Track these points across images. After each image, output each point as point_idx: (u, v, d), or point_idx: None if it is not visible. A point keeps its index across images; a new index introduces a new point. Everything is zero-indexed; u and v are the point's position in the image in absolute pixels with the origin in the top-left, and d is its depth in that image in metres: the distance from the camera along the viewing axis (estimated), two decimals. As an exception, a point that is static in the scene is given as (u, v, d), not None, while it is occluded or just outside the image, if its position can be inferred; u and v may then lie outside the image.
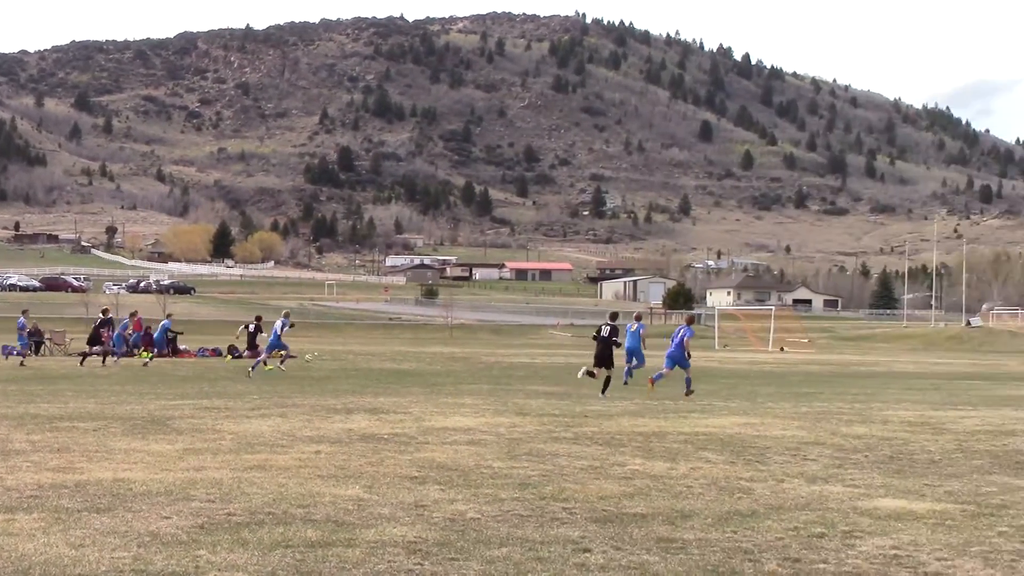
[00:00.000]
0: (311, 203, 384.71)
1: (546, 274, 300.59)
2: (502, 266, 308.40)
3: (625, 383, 32.17)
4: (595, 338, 29.84)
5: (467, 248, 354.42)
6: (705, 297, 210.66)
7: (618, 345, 29.49)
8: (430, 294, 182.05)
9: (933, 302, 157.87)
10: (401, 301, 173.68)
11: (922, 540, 10.05)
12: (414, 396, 27.06)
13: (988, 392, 34.02)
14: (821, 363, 59.53)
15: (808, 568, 8.92)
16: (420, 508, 11.23)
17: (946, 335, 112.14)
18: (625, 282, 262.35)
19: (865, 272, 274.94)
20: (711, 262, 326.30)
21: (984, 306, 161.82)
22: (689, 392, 28.52)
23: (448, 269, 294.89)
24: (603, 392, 28.45)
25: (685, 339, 29.82)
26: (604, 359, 29.07)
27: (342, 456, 15.02)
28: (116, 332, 43.12)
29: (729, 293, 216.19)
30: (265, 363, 37.96)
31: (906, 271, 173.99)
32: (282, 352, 38.35)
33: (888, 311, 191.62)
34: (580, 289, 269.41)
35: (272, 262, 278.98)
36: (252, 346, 42.10)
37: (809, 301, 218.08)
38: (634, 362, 32.84)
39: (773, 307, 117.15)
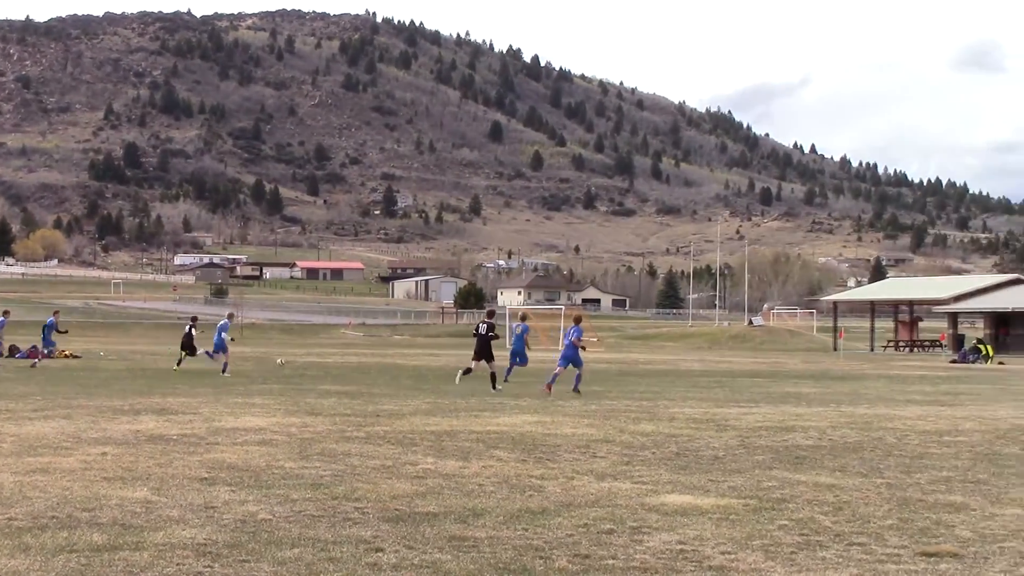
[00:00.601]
0: (96, 200, 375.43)
1: (337, 273, 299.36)
2: (293, 265, 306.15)
3: (505, 379, 32.90)
4: (475, 335, 31.14)
5: (257, 247, 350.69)
6: (496, 296, 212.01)
7: (496, 338, 30.67)
8: (220, 293, 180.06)
9: (717, 302, 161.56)
10: (190, 300, 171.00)
11: (707, 534, 10.27)
12: (203, 396, 26.66)
13: (769, 389, 34.91)
14: (609, 361, 60.35)
15: (597, 564, 9.05)
16: (210, 509, 11.08)
17: (729, 334, 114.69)
18: (417, 281, 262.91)
19: (652, 272, 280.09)
20: (502, 262, 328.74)
21: (765, 305, 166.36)
22: (576, 390, 29.77)
23: (238, 268, 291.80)
24: (494, 387, 29.71)
25: (573, 338, 30.51)
26: (484, 354, 30.28)
27: (129, 458, 14.73)
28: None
29: (520, 293, 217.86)
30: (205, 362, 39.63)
31: (691, 271, 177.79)
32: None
33: (674, 310, 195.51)
34: (372, 288, 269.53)
35: (55, 260, 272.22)
36: (190, 347, 41.53)
37: (598, 300, 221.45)
38: (517, 361, 33.98)
39: (563, 306, 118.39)
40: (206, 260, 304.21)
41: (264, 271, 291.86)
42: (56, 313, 46.83)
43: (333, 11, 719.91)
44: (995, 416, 24.51)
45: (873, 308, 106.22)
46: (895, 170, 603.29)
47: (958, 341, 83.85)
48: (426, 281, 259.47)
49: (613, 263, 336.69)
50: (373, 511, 11.16)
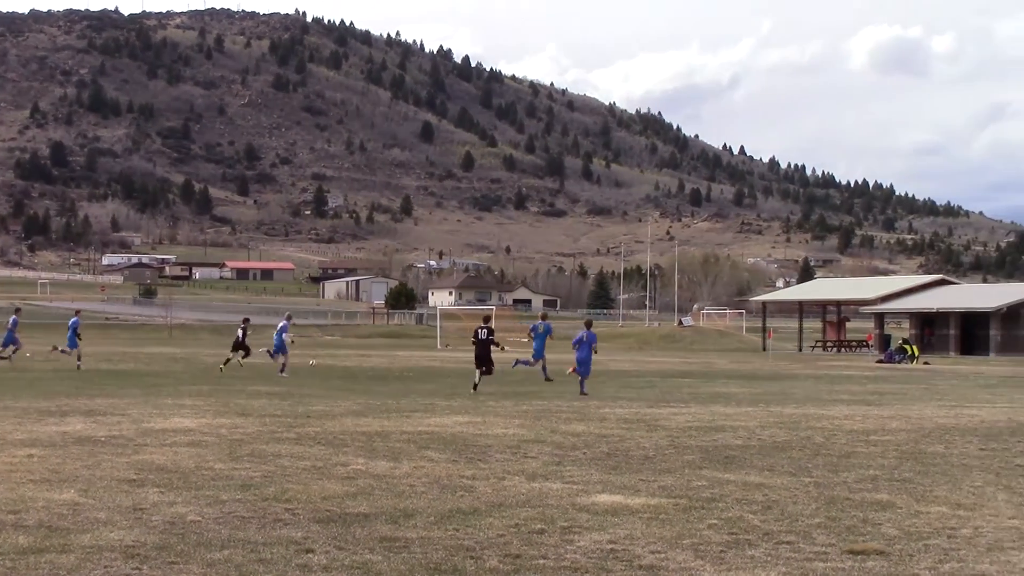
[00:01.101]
0: (22, 199, 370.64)
1: (268, 274, 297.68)
2: (223, 265, 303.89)
3: (547, 379, 34.92)
4: (474, 341, 31.72)
5: (187, 247, 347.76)
6: (427, 297, 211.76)
7: (496, 344, 31.37)
8: (148, 293, 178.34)
9: (647, 302, 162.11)
10: (118, 300, 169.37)
11: (637, 534, 10.33)
12: (132, 398, 26.45)
13: (699, 389, 35.12)
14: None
15: (528, 564, 9.08)
16: (138, 511, 11.01)
17: (660, 334, 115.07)
18: (348, 282, 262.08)
19: (582, 273, 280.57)
20: (433, 262, 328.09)
21: (695, 306, 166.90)
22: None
23: (167, 268, 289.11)
24: (474, 389, 30.21)
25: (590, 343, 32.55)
26: (484, 359, 30.83)
27: (56, 460, 14.59)
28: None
29: (451, 293, 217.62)
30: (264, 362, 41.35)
31: (622, 272, 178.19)
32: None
33: (605, 311, 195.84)
34: (302, 289, 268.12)
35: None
36: (240, 347, 41.76)
37: (529, 301, 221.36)
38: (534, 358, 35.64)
39: (494, 307, 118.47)
40: (134, 260, 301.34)
41: (193, 271, 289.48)
42: (78, 312, 46.40)
43: (262, 10, 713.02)
44: (920, 415, 24.81)
45: (801, 308, 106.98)
46: (823, 171, 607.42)
47: (884, 341, 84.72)
48: (357, 281, 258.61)
49: (544, 263, 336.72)
50: (304, 512, 11.13)
